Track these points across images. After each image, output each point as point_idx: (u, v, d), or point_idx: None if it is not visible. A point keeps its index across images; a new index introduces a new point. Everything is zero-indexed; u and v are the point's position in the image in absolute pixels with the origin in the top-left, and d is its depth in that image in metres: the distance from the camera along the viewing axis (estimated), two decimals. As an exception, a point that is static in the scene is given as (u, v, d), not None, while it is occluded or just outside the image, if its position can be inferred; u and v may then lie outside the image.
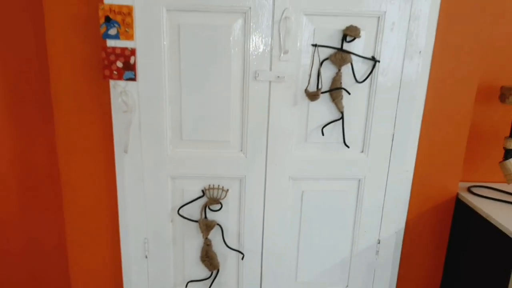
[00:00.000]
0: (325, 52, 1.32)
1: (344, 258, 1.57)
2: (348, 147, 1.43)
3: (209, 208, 1.46)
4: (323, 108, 1.38)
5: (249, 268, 1.53)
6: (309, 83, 1.34)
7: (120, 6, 1.24)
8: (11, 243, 1.66)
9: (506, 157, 1.48)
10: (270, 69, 1.32)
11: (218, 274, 1.53)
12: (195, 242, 1.50)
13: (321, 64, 1.33)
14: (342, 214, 1.52)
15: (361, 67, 1.35)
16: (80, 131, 1.37)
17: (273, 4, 1.27)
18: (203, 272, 1.53)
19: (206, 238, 1.48)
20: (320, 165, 1.45)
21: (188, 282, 1.54)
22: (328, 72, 1.34)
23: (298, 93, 1.36)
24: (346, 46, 1.32)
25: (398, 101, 1.40)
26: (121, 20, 1.25)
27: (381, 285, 1.61)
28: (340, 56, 1.32)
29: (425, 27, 1.32)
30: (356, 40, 1.32)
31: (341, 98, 1.36)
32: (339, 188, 1.49)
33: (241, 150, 1.41)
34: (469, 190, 1.59)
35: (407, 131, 1.43)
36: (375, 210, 1.52)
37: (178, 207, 1.45)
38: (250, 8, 1.27)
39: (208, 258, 1.50)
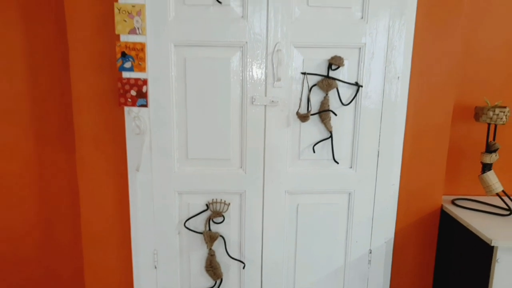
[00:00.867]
0: (313, 79, 1.50)
1: (338, 268, 1.69)
2: (337, 163, 1.58)
3: (213, 221, 1.60)
4: (314, 128, 1.54)
5: (250, 277, 1.66)
6: (300, 106, 1.51)
7: (135, 43, 1.44)
8: (31, 249, 1.81)
9: (483, 171, 1.62)
10: (265, 95, 1.50)
11: (222, 283, 1.65)
12: (200, 252, 1.64)
13: (310, 89, 1.50)
14: (335, 225, 1.65)
15: (346, 92, 1.52)
16: (97, 151, 1.54)
17: (267, 39, 1.46)
18: (208, 281, 1.66)
19: (210, 249, 1.61)
20: (313, 180, 1.59)
21: (193, 291, 1.67)
22: (316, 96, 1.51)
23: (290, 116, 1.52)
24: (332, 74, 1.50)
25: (381, 121, 1.55)
26: (135, 55, 1.45)
27: (375, 293, 1.71)
28: (327, 82, 1.49)
29: (401, 55, 1.50)
30: (341, 68, 1.49)
31: (329, 119, 1.53)
32: (331, 201, 1.63)
33: (241, 167, 1.57)
34: (453, 202, 1.71)
35: (391, 148, 1.58)
36: (365, 221, 1.65)
37: (185, 220, 1.60)
38: (246, 42, 1.46)
39: (212, 268, 1.62)
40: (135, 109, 1.49)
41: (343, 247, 1.67)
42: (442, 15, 1.50)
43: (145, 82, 1.47)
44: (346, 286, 1.70)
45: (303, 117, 1.50)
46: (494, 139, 1.62)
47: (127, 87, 1.47)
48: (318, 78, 1.50)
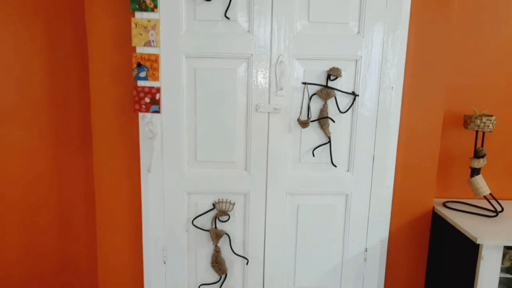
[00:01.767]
0: (313, 88, 1.62)
1: (336, 265, 1.80)
2: (335, 166, 1.70)
3: (219, 219, 1.72)
4: (313, 134, 1.67)
5: (253, 273, 1.77)
6: (301, 113, 1.64)
7: (149, 55, 1.57)
8: (48, 249, 1.93)
9: (472, 175, 1.73)
10: (269, 103, 1.62)
11: (226, 278, 1.76)
12: (206, 249, 1.75)
13: (310, 98, 1.63)
14: (333, 225, 1.76)
15: (343, 100, 1.64)
16: (113, 153, 1.67)
17: (270, 51, 1.59)
18: (213, 276, 1.77)
19: (216, 245, 1.72)
20: (312, 182, 1.71)
21: (200, 286, 1.78)
22: (316, 104, 1.64)
23: (292, 122, 1.65)
24: (331, 84, 1.62)
25: (376, 128, 1.67)
26: (150, 65, 1.58)
27: (370, 289, 1.82)
28: (326, 92, 1.61)
29: (394, 67, 1.62)
30: (339, 78, 1.62)
31: (328, 126, 1.65)
32: (330, 202, 1.75)
33: (246, 169, 1.69)
34: (444, 204, 1.83)
35: (385, 153, 1.70)
36: (361, 221, 1.76)
37: (192, 218, 1.72)
38: (252, 55, 1.59)
39: (218, 264, 1.74)
40: (148, 115, 1.62)
41: (341, 245, 1.78)
42: (433, 31, 1.63)
43: (158, 90, 1.59)
44: (343, 282, 1.81)
45: (303, 124, 1.62)
46: (482, 146, 1.74)
47: (141, 94, 1.59)
48: (318, 87, 1.62)
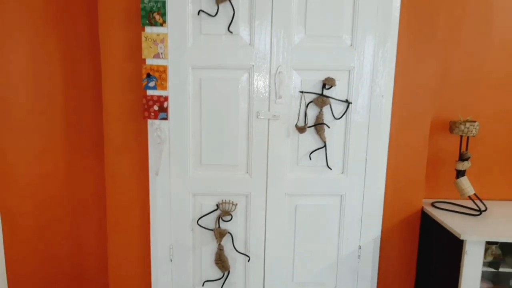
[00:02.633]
0: (310, 97, 1.75)
1: (332, 262, 1.92)
2: (330, 169, 1.83)
3: (222, 219, 1.83)
4: (310, 139, 1.79)
5: (254, 269, 1.88)
6: (298, 120, 1.76)
7: (158, 66, 1.69)
8: (60, 247, 2.04)
9: (457, 177, 1.86)
10: (269, 110, 1.75)
11: (229, 275, 1.88)
12: (210, 247, 1.86)
13: (307, 105, 1.76)
14: (328, 224, 1.88)
15: (338, 107, 1.77)
16: (123, 157, 1.79)
17: (270, 62, 1.72)
18: (217, 273, 1.88)
19: (220, 244, 1.84)
20: (309, 184, 1.83)
21: (204, 282, 1.89)
22: (312, 111, 1.77)
23: (290, 128, 1.77)
24: (326, 92, 1.75)
25: (368, 133, 1.80)
26: (158, 76, 1.70)
27: (364, 284, 1.93)
28: (321, 100, 1.74)
29: (385, 77, 1.76)
30: (333, 87, 1.75)
31: (324, 131, 1.77)
32: (325, 203, 1.87)
33: (247, 172, 1.81)
34: (432, 204, 1.95)
35: (376, 157, 1.83)
36: (355, 220, 1.88)
37: (197, 218, 1.83)
38: (253, 65, 1.72)
39: (221, 261, 1.85)
40: (157, 121, 1.74)
41: (336, 243, 1.90)
42: (420, 44, 1.77)
43: (166, 98, 1.72)
44: (339, 278, 1.93)
45: (301, 129, 1.75)
46: (466, 149, 1.87)
47: (150, 102, 1.71)
48: (314, 96, 1.75)
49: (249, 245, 1.86)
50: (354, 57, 1.73)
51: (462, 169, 1.84)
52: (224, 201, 1.83)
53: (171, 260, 1.86)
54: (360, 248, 1.91)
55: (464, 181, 1.84)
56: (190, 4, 1.67)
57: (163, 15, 1.66)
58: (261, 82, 1.73)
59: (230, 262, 1.87)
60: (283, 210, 1.84)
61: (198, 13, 1.67)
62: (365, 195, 1.86)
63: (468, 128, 1.80)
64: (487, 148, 2.01)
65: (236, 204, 1.83)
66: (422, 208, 1.92)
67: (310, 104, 1.76)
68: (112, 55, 1.72)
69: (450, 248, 1.71)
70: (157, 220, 1.83)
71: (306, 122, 1.76)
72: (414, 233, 1.93)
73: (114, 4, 1.68)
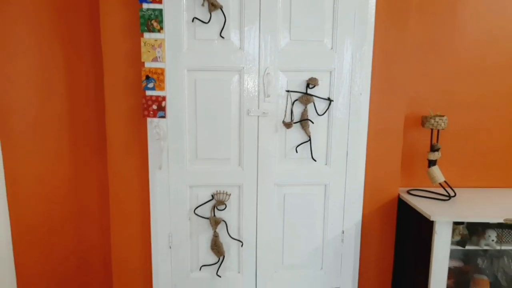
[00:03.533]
0: (295, 95, 1.93)
1: (318, 246, 2.10)
2: (315, 161, 2.01)
3: (217, 208, 2.00)
4: (296, 133, 1.97)
5: (247, 254, 2.05)
6: (285, 116, 1.94)
7: (156, 68, 1.85)
8: (66, 239, 2.19)
9: (429, 166, 2.06)
10: (258, 108, 1.92)
11: (224, 259, 2.04)
12: (206, 234, 2.03)
13: (293, 103, 1.93)
14: (314, 211, 2.06)
15: (321, 105, 1.95)
16: (125, 153, 1.94)
17: (259, 65, 1.89)
18: (213, 258, 2.04)
19: (215, 231, 2.00)
20: (296, 175, 2.01)
21: (201, 266, 2.05)
22: (298, 108, 1.94)
23: (278, 124, 1.95)
24: (310, 91, 1.93)
25: (348, 128, 1.99)
26: (157, 77, 1.86)
27: (347, 266, 2.12)
28: (305, 98, 1.92)
29: (362, 77, 1.94)
30: (316, 87, 1.93)
31: (308, 126, 1.95)
32: (311, 192, 2.05)
33: (239, 165, 1.98)
34: (408, 192, 2.15)
35: (356, 149, 2.01)
36: (338, 207, 2.06)
37: (194, 208, 1.99)
38: (243, 68, 1.88)
39: (217, 247, 2.01)
40: (155, 120, 1.90)
41: (321, 228, 2.09)
42: (393, 46, 1.95)
43: (164, 98, 1.87)
44: (325, 260, 2.11)
45: (287, 125, 1.93)
46: (437, 141, 2.07)
47: (149, 102, 1.87)
48: (299, 94, 1.93)
49: (242, 231, 2.03)
50: (334, 59, 1.92)
51: (433, 159, 2.04)
52: (218, 191, 1.99)
53: (170, 247, 2.02)
54: (343, 233, 2.09)
55: (435, 169, 2.04)
56: (185, 12, 1.83)
57: (160, 22, 1.81)
58: (250, 83, 1.90)
59: (225, 248, 2.03)
60: (272, 199, 2.02)
61: (193, 20, 1.84)
62: (346, 184, 2.05)
63: (437, 122, 1.99)
64: (455, 140, 2.21)
65: (230, 194, 2.00)
66: (399, 195, 2.12)
67: (295, 102, 1.94)
68: (113, 59, 1.87)
69: (423, 229, 1.90)
70: (157, 211, 1.99)
71: (292, 119, 1.94)
72: (392, 218, 2.12)
73: (115, 12, 1.83)
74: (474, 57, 2.16)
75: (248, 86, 1.90)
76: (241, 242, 2.04)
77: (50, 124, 2.10)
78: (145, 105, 1.87)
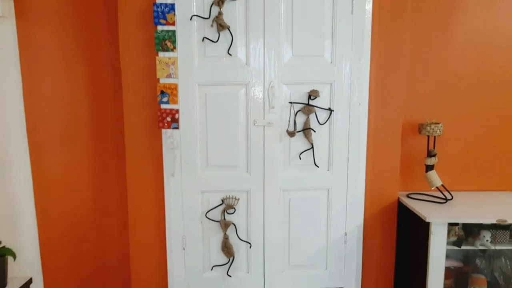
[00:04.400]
0: (298, 106, 2.08)
1: (322, 247, 2.22)
2: (318, 167, 2.14)
3: (227, 212, 2.15)
4: (299, 141, 2.11)
5: (255, 255, 2.19)
6: (289, 126, 2.09)
7: (170, 84, 2.02)
8: (89, 243, 2.37)
9: (427, 170, 2.18)
10: (264, 118, 2.08)
11: (234, 260, 2.18)
12: (217, 237, 2.18)
13: (296, 114, 2.08)
14: (318, 214, 2.19)
15: (322, 115, 2.10)
16: (142, 161, 2.11)
17: (264, 79, 2.05)
18: (223, 259, 2.18)
19: (225, 233, 2.15)
20: (300, 180, 2.15)
21: (213, 267, 2.19)
22: (300, 118, 2.09)
23: (282, 133, 2.10)
24: (311, 102, 2.08)
25: (348, 136, 2.12)
26: (170, 92, 2.03)
27: (351, 266, 2.24)
28: (307, 108, 2.07)
29: (360, 88, 2.08)
30: (318, 98, 2.07)
31: (311, 135, 2.10)
32: (315, 196, 2.18)
33: (247, 171, 2.13)
34: (408, 196, 2.27)
35: (357, 155, 2.14)
36: (341, 210, 2.19)
37: (206, 212, 2.15)
38: (249, 81, 2.05)
39: (227, 248, 2.16)
40: (169, 130, 2.07)
41: (325, 231, 2.21)
42: (389, 60, 2.09)
43: (177, 111, 2.05)
44: (328, 261, 2.23)
45: (291, 134, 2.08)
46: (434, 147, 2.19)
47: (164, 115, 2.04)
48: (301, 105, 2.08)
49: (250, 233, 2.17)
50: (334, 73, 2.07)
51: (430, 164, 2.16)
52: (228, 196, 2.14)
53: (184, 249, 2.17)
54: (346, 235, 2.21)
55: (433, 174, 2.16)
56: (195, 33, 2.01)
57: (174, 42, 1.99)
58: (256, 95, 2.06)
59: (234, 249, 2.17)
60: (278, 203, 2.16)
61: (203, 40, 2.01)
62: (348, 189, 2.18)
63: (433, 129, 2.12)
64: (452, 145, 2.33)
65: (238, 199, 2.15)
66: (398, 198, 2.24)
67: (298, 113, 2.08)
68: (131, 76, 2.05)
69: (420, 230, 2.01)
70: (171, 215, 2.15)
71: (296, 128, 2.09)
72: (392, 220, 2.24)
73: (133, 33, 2.02)
74: (467, 67, 2.29)
75: (254, 98, 2.06)
76: (249, 243, 2.18)
77: (75, 135, 2.29)
78: (160, 118, 2.04)
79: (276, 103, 2.07)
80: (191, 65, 2.03)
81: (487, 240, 2.00)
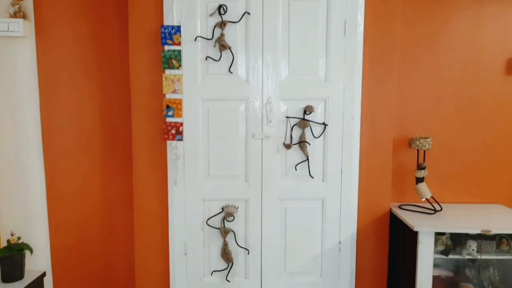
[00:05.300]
0: (294, 121, 2.22)
1: (317, 254, 2.33)
2: (313, 178, 2.27)
3: (226, 220, 2.27)
4: (295, 154, 2.25)
5: (253, 261, 2.30)
6: (285, 139, 2.23)
7: (175, 99, 2.18)
8: (95, 245, 2.51)
9: (417, 183, 2.29)
10: (262, 131, 2.22)
11: (233, 266, 2.30)
12: (217, 243, 2.30)
13: (292, 128, 2.22)
14: (313, 223, 2.30)
15: (317, 129, 2.23)
16: (148, 171, 2.26)
17: (262, 95, 2.20)
18: (223, 264, 2.30)
19: (224, 240, 2.27)
20: (296, 190, 2.28)
21: (213, 272, 2.31)
22: (296, 132, 2.23)
23: (279, 145, 2.23)
24: (307, 117, 2.22)
25: (342, 149, 2.25)
26: (175, 107, 2.19)
27: (345, 273, 2.33)
28: (303, 123, 2.21)
29: (353, 104, 2.22)
30: (312, 113, 2.21)
31: (306, 147, 2.23)
32: (310, 205, 2.30)
33: (246, 181, 2.27)
34: (399, 207, 2.38)
35: (350, 168, 2.27)
36: (335, 220, 2.30)
37: (206, 219, 2.28)
38: (249, 97, 2.20)
39: (226, 254, 2.28)
40: (174, 142, 2.21)
41: (320, 239, 2.32)
42: (380, 77, 2.23)
43: (181, 124, 2.20)
44: (323, 268, 2.33)
45: (287, 146, 2.21)
46: (424, 160, 2.31)
47: (169, 127, 2.20)
48: (297, 120, 2.22)
49: (249, 240, 2.29)
50: (328, 89, 2.21)
51: (420, 176, 2.27)
52: (227, 205, 2.27)
53: (185, 254, 2.30)
54: (340, 243, 2.32)
55: (422, 186, 2.27)
56: (199, 52, 2.18)
57: (179, 60, 2.16)
58: (255, 110, 2.21)
59: (233, 255, 2.29)
60: (275, 212, 2.28)
61: (206, 59, 2.18)
62: (342, 199, 2.29)
63: (422, 143, 2.24)
64: (441, 159, 2.44)
65: (237, 207, 2.27)
66: (390, 209, 2.34)
67: (294, 127, 2.22)
68: (139, 91, 2.22)
69: (409, 239, 2.12)
70: (174, 221, 2.28)
71: (292, 141, 2.23)
72: (385, 229, 2.34)
73: (141, 52, 2.19)
74: (454, 85, 2.42)
75: (253, 113, 2.21)
76: (247, 250, 2.29)
77: (86, 145, 2.47)
78: (166, 130, 2.20)
79: (273, 118, 2.21)
80: (195, 82, 2.19)
81: (473, 250, 2.09)
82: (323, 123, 2.23)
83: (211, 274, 2.31)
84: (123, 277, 2.56)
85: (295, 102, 2.22)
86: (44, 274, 2.45)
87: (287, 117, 2.22)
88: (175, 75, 2.17)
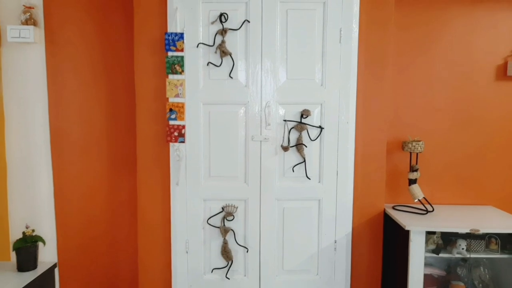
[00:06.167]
0: (291, 124, 2.31)
1: (313, 253, 2.41)
2: (309, 179, 2.36)
3: (226, 219, 2.36)
4: (293, 155, 2.34)
5: (252, 259, 2.39)
6: (283, 141, 2.32)
7: (178, 103, 2.28)
8: (100, 242, 2.60)
9: (409, 184, 2.38)
10: (261, 134, 2.32)
11: (232, 264, 2.38)
12: (217, 242, 2.38)
13: (289, 130, 2.32)
14: (309, 222, 2.39)
15: (313, 132, 2.33)
16: (151, 171, 2.35)
17: (261, 99, 2.30)
18: (222, 262, 2.39)
19: (224, 238, 2.36)
20: (293, 191, 2.37)
21: (213, 269, 2.39)
22: (294, 135, 2.32)
23: (277, 148, 2.33)
24: (304, 120, 2.31)
25: (337, 151, 2.34)
26: (178, 110, 2.29)
27: (340, 272, 2.41)
28: (300, 126, 2.30)
29: (348, 108, 2.31)
30: (309, 116, 2.31)
31: (303, 150, 2.32)
32: (307, 206, 2.39)
33: (245, 182, 2.36)
34: (393, 207, 2.46)
35: (345, 169, 2.36)
36: (331, 219, 2.39)
37: (207, 218, 2.37)
38: (248, 101, 2.30)
39: (226, 252, 2.36)
40: (176, 144, 2.31)
41: (316, 238, 2.41)
42: (374, 82, 2.33)
43: (183, 127, 2.30)
44: (320, 266, 2.42)
45: (285, 149, 2.31)
46: (416, 162, 2.40)
47: (172, 130, 2.30)
48: (295, 123, 2.31)
49: (248, 239, 2.38)
50: (324, 94, 2.31)
51: (412, 178, 2.36)
52: (227, 204, 2.36)
53: (187, 252, 2.39)
54: (335, 242, 2.40)
55: (415, 187, 2.36)
56: (201, 58, 2.28)
57: (182, 66, 2.26)
58: (254, 114, 2.31)
59: (233, 253, 2.37)
60: (273, 212, 2.37)
61: (207, 64, 2.28)
62: (337, 200, 2.38)
63: (414, 146, 2.33)
64: (434, 162, 2.53)
65: (237, 207, 2.36)
66: (384, 209, 2.43)
67: (292, 130, 2.32)
68: (143, 95, 2.32)
69: (402, 238, 2.20)
70: (176, 220, 2.37)
71: (289, 143, 2.32)
72: (379, 229, 2.43)
73: (146, 58, 2.30)
74: (447, 89, 2.51)
75: (252, 117, 2.31)
76: (246, 248, 2.38)
77: (92, 147, 2.56)
78: (168, 132, 2.29)
79: (272, 121, 2.31)
80: (197, 87, 2.29)
81: (462, 248, 2.17)
82: (320, 127, 2.32)
83: (212, 272, 2.40)
84: (127, 274, 2.65)
85: (293, 106, 2.32)
86: (55, 265, 2.58)
87: (285, 120, 2.32)
88: (178, 80, 2.27)
